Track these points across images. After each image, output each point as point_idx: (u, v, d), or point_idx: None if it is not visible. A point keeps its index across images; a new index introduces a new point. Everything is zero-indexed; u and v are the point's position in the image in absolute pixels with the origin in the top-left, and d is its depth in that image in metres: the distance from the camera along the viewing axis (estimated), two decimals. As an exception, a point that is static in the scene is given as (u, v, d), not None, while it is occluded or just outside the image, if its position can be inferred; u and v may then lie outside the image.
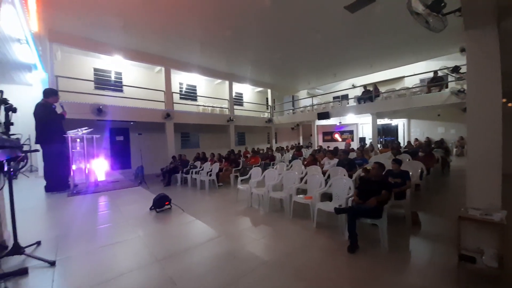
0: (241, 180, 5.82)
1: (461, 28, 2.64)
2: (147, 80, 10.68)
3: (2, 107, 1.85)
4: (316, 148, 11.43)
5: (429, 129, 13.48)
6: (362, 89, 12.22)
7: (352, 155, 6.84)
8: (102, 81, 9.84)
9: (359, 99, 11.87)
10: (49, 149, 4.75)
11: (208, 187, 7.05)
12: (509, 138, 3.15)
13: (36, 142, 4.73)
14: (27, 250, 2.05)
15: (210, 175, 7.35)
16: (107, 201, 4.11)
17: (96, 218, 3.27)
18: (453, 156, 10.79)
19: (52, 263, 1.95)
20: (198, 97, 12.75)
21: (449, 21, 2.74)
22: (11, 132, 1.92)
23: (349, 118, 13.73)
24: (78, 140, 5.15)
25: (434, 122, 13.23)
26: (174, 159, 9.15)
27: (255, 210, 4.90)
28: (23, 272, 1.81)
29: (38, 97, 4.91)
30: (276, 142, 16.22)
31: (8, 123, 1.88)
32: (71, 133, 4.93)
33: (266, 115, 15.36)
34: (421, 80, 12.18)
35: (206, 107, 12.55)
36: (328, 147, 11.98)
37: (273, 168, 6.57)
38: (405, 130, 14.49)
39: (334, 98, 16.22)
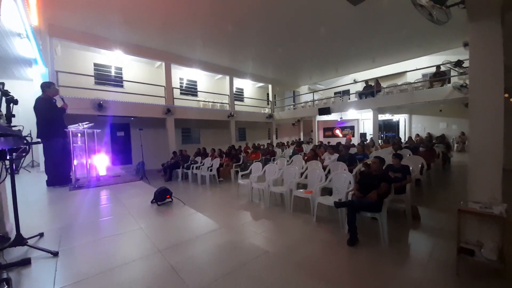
0: (242, 175, 5.84)
1: (465, 20, 2.61)
2: (147, 75, 10.64)
3: (4, 99, 1.85)
4: (317, 144, 11.43)
5: (431, 125, 13.44)
6: (363, 84, 12.15)
7: (353, 151, 6.83)
8: (103, 76, 9.81)
9: (360, 95, 11.81)
10: (50, 144, 4.77)
11: (209, 182, 7.08)
12: (510, 133, 3.15)
13: (38, 137, 4.74)
14: (30, 242, 2.07)
15: (211, 170, 7.38)
16: (109, 195, 4.14)
17: (99, 211, 3.30)
18: (454, 151, 10.76)
19: (55, 254, 1.97)
20: (198, 93, 12.72)
21: (453, 14, 2.71)
22: (12, 124, 1.93)
23: (350, 114, 13.69)
24: (79, 134, 5.16)
25: (436, 117, 13.17)
26: (175, 154, 9.18)
27: (256, 204, 4.93)
28: (26, 262, 1.83)
29: (39, 92, 4.91)
30: (276, 138, 16.21)
31: (9, 115, 1.88)
32: (72, 128, 4.94)
33: (267, 110, 15.32)
34: (424, 75, 12.10)
35: (207, 103, 12.52)
36: (329, 142, 11.98)
37: (273, 163, 6.59)
38: (407, 125, 14.44)
39: (335, 93, 16.14)
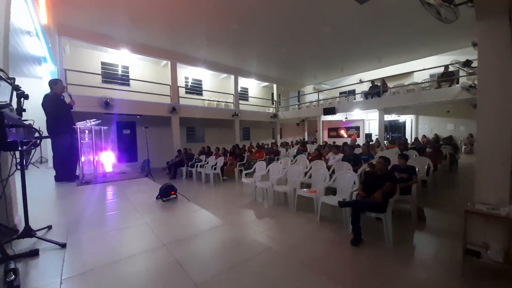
0: (246, 174, 5.86)
1: (473, 19, 2.57)
2: (153, 74, 10.76)
3: (15, 93, 1.90)
4: (322, 144, 11.38)
5: (438, 126, 13.21)
6: (369, 84, 12.03)
7: (358, 151, 6.78)
8: (110, 75, 9.97)
9: (366, 95, 11.70)
10: (59, 140, 4.86)
11: (213, 180, 7.12)
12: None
13: (47, 133, 4.84)
14: (38, 234, 2.12)
15: (215, 168, 7.41)
16: (115, 191, 4.20)
17: (105, 206, 3.36)
18: (462, 153, 10.58)
19: (63, 245, 2.01)
20: (203, 92, 12.79)
21: (461, 12, 2.68)
22: (23, 119, 1.98)
23: (356, 114, 13.56)
24: (86, 131, 5.24)
25: (443, 118, 12.94)
26: (179, 152, 9.26)
27: (259, 203, 4.94)
28: (34, 253, 1.87)
29: (48, 89, 5.00)
30: (281, 138, 16.18)
31: (20, 109, 1.93)
32: (79, 124, 5.03)
33: (272, 110, 15.31)
34: (431, 75, 11.91)
35: (212, 102, 12.58)
36: (334, 142, 11.90)
37: (277, 162, 6.59)
38: (413, 126, 14.24)
39: (340, 93, 16.02)
